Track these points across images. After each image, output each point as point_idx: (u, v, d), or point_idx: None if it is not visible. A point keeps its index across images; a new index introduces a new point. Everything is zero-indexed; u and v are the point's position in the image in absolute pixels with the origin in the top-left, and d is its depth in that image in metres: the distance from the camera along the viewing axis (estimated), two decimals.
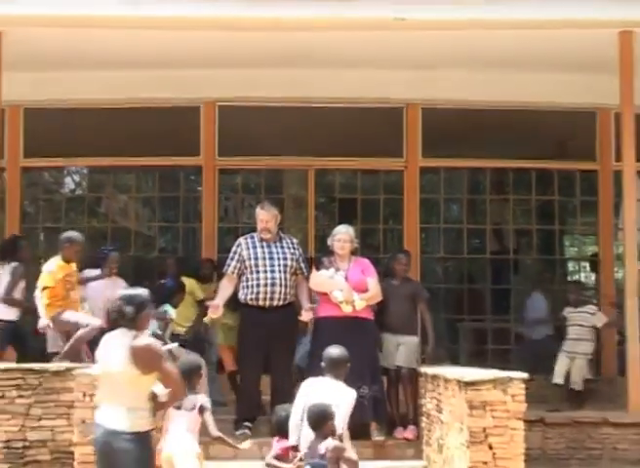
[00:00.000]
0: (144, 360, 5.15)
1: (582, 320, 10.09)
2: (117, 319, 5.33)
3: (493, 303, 11.66)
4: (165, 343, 8.55)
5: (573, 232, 12.90)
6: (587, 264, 12.55)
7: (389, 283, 9.31)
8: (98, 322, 8.35)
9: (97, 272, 9.49)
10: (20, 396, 7.85)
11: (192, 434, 6.51)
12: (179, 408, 6.41)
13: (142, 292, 5.67)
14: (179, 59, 10.25)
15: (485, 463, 6.80)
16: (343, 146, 11.39)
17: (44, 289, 8.53)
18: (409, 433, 8.55)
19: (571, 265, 12.83)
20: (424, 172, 11.52)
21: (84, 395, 7.08)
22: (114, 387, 5.22)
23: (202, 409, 6.50)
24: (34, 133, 11.28)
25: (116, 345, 5.25)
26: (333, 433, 6.32)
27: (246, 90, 10.85)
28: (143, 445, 5.20)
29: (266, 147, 11.26)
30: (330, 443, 6.23)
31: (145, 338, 5.27)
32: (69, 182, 12.77)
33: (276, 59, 10.21)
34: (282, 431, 6.69)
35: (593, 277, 12.15)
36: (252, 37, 9.64)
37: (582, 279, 12.56)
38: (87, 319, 8.58)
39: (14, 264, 9.39)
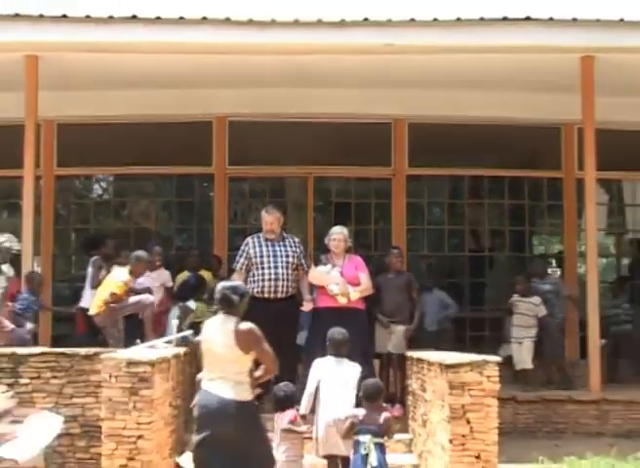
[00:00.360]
0: (247, 341, 5.47)
1: (527, 309, 9.99)
2: (224, 306, 5.62)
3: (471, 295, 11.68)
4: (181, 330, 8.83)
5: (541, 232, 12.99)
6: (554, 260, 12.48)
7: (385, 276, 9.45)
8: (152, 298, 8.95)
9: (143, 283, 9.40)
10: (55, 377, 7.85)
11: None
12: None
13: (240, 283, 6.37)
14: (193, 80, 10.33)
15: (463, 436, 6.82)
16: (339, 156, 11.35)
17: (112, 294, 8.67)
18: (395, 411, 8.47)
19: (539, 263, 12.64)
20: (410, 179, 11.52)
21: (110, 376, 6.97)
22: (221, 365, 5.53)
23: None
24: (66, 145, 11.26)
25: (220, 329, 5.57)
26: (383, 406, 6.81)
27: (253, 107, 10.85)
28: (247, 411, 5.54)
29: (271, 157, 11.23)
30: (387, 414, 6.60)
31: (247, 323, 5.54)
32: (97, 188, 12.80)
33: (279, 80, 10.29)
34: (283, 406, 6.80)
35: (559, 272, 11.99)
36: (257, 60, 9.68)
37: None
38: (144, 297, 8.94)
39: (94, 258, 9.90)
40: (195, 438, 5.73)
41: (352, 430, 6.51)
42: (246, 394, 5.58)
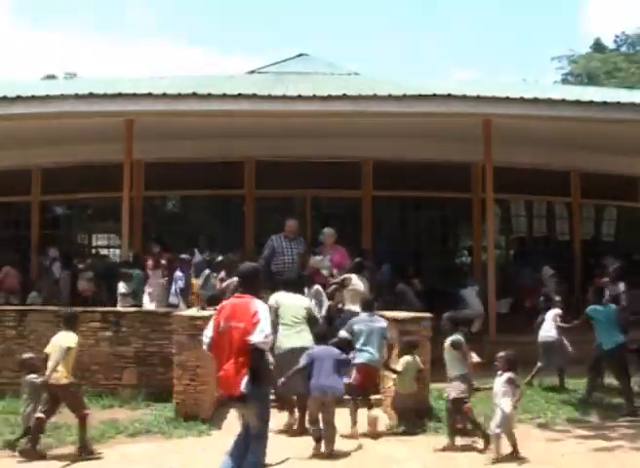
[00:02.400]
0: None
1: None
2: None
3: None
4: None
5: (459, 233, 12.96)
6: (466, 252, 12.47)
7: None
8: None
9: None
10: (144, 327, 7.79)
11: None
12: None
13: None
14: (231, 133, 10.25)
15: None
16: (327, 183, 11.18)
17: None
18: None
19: (458, 253, 12.79)
20: (375, 198, 11.33)
21: (179, 327, 7.01)
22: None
23: None
24: (150, 176, 11.22)
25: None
26: None
27: (271, 151, 10.76)
28: None
29: (283, 184, 11.11)
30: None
31: None
32: (169, 205, 12.66)
33: (287, 133, 10.21)
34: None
35: (470, 259, 12.00)
36: (272, 121, 9.66)
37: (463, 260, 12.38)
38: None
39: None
40: None
41: None
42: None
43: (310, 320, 6.66)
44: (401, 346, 6.74)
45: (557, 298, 8.75)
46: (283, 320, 6.55)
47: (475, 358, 6.30)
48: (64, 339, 5.84)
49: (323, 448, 5.76)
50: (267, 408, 4.51)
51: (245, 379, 4.25)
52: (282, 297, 6.77)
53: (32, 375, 5.92)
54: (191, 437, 6.36)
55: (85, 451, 5.71)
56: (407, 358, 6.61)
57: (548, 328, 8.36)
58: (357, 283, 8.09)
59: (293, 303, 6.73)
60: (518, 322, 9.54)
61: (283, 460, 5.47)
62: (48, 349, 5.88)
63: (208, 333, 4.57)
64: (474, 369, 6.26)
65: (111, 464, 5.55)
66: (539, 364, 8.31)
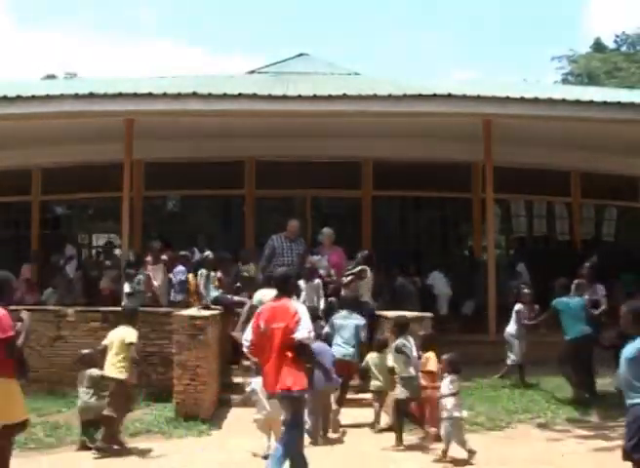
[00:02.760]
0: None
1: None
2: None
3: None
4: None
5: (460, 233, 12.84)
6: (467, 250, 12.37)
7: None
8: None
9: None
10: (144, 327, 7.57)
11: None
12: None
13: None
14: (231, 133, 10.22)
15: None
16: (326, 183, 11.15)
17: None
18: None
19: (459, 251, 12.70)
20: (375, 198, 11.33)
21: (179, 327, 7.03)
22: None
23: None
24: (150, 175, 11.20)
25: None
26: None
27: (271, 151, 10.71)
28: None
29: (283, 184, 11.11)
30: None
31: None
32: (170, 205, 12.57)
33: (287, 133, 10.18)
34: None
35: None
36: (272, 121, 9.67)
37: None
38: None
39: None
40: None
41: None
42: None
43: None
44: (374, 345, 6.87)
45: (527, 291, 8.67)
46: None
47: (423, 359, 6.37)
48: (127, 335, 6.00)
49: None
50: (304, 400, 4.82)
51: (289, 375, 4.57)
52: (266, 295, 6.92)
53: (92, 370, 6.08)
54: (191, 437, 6.37)
55: (115, 445, 5.83)
56: (372, 355, 6.73)
57: (511, 323, 8.45)
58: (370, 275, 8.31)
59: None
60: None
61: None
62: (105, 342, 6.09)
63: (247, 337, 4.90)
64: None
65: (111, 464, 5.55)
66: (508, 361, 8.39)
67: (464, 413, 5.68)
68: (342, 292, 8.21)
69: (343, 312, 7.21)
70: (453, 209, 12.05)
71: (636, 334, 4.17)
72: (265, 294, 6.99)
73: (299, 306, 4.85)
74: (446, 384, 5.69)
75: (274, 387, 4.64)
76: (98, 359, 6.13)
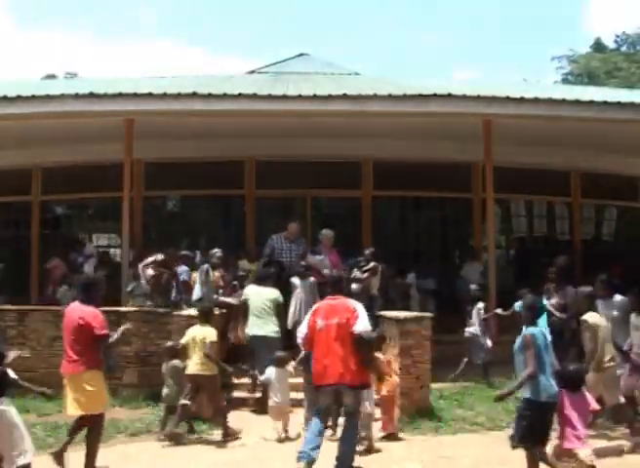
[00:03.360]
0: None
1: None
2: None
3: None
4: None
5: (460, 233, 12.71)
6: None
7: None
8: None
9: None
10: (144, 327, 7.83)
11: None
12: None
13: None
14: (231, 133, 10.17)
15: (408, 365, 6.86)
16: (326, 183, 11.08)
17: None
18: None
19: (459, 251, 12.61)
20: (375, 198, 11.29)
21: (179, 327, 7.08)
22: None
23: None
24: (150, 175, 11.15)
25: None
26: None
27: (271, 151, 10.63)
28: None
29: (283, 184, 11.03)
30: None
31: None
32: (170, 205, 12.53)
33: (287, 133, 10.12)
34: None
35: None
36: (272, 121, 9.63)
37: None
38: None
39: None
40: None
41: None
42: None
43: (278, 309, 7.48)
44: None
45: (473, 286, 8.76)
46: (252, 311, 7.43)
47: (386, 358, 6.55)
48: (207, 334, 6.43)
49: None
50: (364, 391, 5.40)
51: (349, 369, 5.00)
52: (251, 291, 7.63)
53: (175, 361, 6.58)
54: (191, 437, 6.36)
55: (229, 436, 6.31)
56: None
57: (472, 322, 8.51)
58: None
59: (260, 296, 7.50)
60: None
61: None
62: (183, 340, 6.54)
63: (302, 330, 5.38)
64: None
65: (111, 464, 5.56)
66: (464, 359, 8.43)
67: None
68: (354, 287, 8.42)
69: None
70: (453, 209, 12.02)
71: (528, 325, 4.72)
72: (253, 291, 7.58)
73: (356, 304, 5.30)
74: None
75: (332, 380, 5.03)
76: (179, 351, 6.59)
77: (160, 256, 8.60)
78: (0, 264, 10.06)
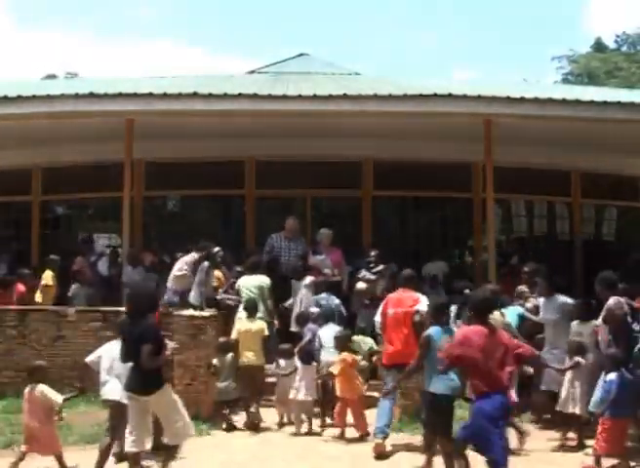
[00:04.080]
0: None
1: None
2: None
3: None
4: None
5: (457, 233, 12.57)
6: (467, 251, 12.37)
7: None
8: None
9: None
10: None
11: None
12: None
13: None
14: (231, 133, 10.14)
15: None
16: (326, 183, 11.06)
17: None
18: None
19: (458, 251, 12.64)
20: (375, 198, 11.27)
21: (179, 327, 7.11)
22: None
23: None
24: (150, 175, 11.17)
25: None
26: None
27: (271, 151, 10.62)
28: None
29: (283, 184, 11.03)
30: None
31: None
32: (170, 205, 12.55)
33: (287, 133, 10.10)
34: None
35: (470, 259, 11.95)
36: (272, 121, 9.62)
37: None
38: None
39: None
40: None
41: None
42: None
43: (264, 294, 7.76)
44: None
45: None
46: (243, 303, 7.65)
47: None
48: (263, 327, 7.11)
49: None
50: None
51: (410, 350, 5.66)
52: (242, 281, 7.94)
53: (230, 355, 6.96)
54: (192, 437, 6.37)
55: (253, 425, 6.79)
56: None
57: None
58: None
59: (247, 285, 7.81)
60: None
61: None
62: (234, 336, 7.07)
63: (377, 319, 6.47)
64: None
65: (111, 463, 5.56)
66: None
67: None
68: (360, 286, 8.48)
69: (324, 295, 7.94)
70: (453, 209, 12.02)
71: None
72: (243, 281, 7.87)
73: (420, 296, 6.22)
74: None
75: (399, 360, 5.83)
76: (232, 346, 7.02)
77: (195, 255, 8.32)
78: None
